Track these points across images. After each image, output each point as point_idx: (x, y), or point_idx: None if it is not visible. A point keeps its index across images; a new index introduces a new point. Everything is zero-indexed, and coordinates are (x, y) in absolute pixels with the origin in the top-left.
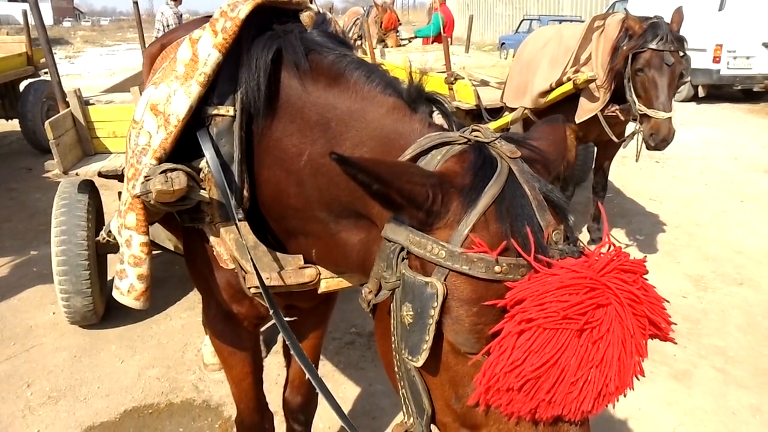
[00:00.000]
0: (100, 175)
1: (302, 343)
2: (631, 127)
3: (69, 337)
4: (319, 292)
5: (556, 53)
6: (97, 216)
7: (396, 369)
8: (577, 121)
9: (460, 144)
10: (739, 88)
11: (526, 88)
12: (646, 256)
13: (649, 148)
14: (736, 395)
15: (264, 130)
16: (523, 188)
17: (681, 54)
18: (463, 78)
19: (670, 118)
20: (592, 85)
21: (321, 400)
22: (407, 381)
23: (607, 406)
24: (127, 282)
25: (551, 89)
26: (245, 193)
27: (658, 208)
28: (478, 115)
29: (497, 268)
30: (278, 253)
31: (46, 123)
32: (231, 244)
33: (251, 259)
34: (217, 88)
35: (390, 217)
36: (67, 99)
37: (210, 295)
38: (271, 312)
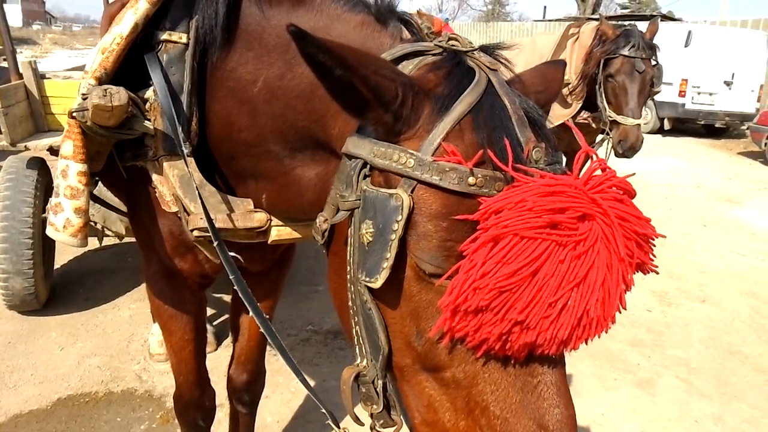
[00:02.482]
0: (51, 151)
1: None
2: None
3: (5, 322)
4: (270, 241)
5: (529, 60)
6: (46, 195)
7: (350, 304)
8: (548, 127)
9: (434, 54)
10: (702, 123)
11: None
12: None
13: (617, 155)
14: (699, 405)
15: (218, 62)
16: (502, 100)
17: (653, 63)
18: None
19: (639, 125)
20: (564, 91)
21: (268, 393)
22: (362, 316)
23: (584, 341)
24: (63, 216)
25: None
26: (194, 126)
27: None
28: None
29: (471, 180)
30: (228, 196)
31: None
32: (174, 181)
33: (198, 195)
34: (170, 12)
35: (353, 131)
36: (21, 71)
37: (151, 248)
38: (215, 244)
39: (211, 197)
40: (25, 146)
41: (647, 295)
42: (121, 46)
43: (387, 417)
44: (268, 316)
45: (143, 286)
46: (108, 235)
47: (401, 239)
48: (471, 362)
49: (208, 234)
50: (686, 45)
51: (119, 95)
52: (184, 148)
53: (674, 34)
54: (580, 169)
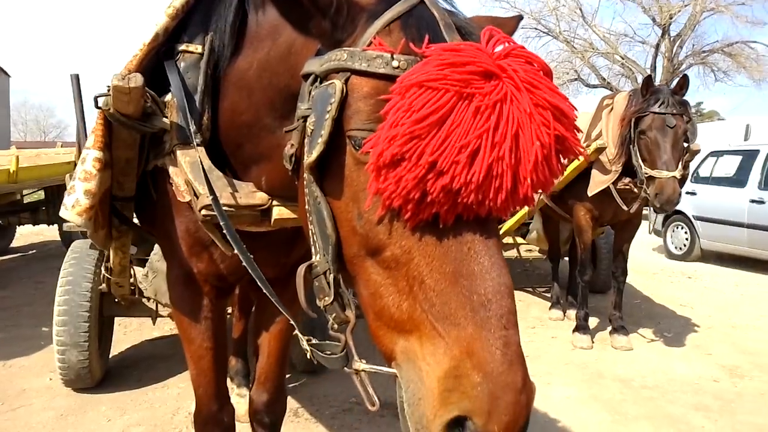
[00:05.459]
0: None
1: (272, 327)
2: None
3: (60, 399)
4: (272, 220)
5: None
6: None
7: (306, 207)
8: (590, 194)
9: None
10: None
11: None
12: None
13: (655, 210)
14: None
15: (227, 66)
16: (431, 11)
17: (686, 119)
18: None
19: (675, 177)
20: (603, 158)
21: None
22: (315, 214)
23: (505, 199)
24: (74, 197)
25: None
26: (205, 120)
27: (689, 312)
28: None
29: (395, 63)
30: (233, 180)
31: (66, 176)
32: (186, 167)
33: (205, 176)
34: (188, 28)
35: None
36: None
37: (172, 253)
38: (222, 223)
39: (218, 180)
40: None
41: (715, 368)
42: (144, 51)
43: (339, 310)
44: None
45: None
46: (162, 315)
47: (335, 120)
48: (406, 237)
49: (214, 212)
50: (746, 138)
51: (135, 78)
52: (194, 138)
53: (732, 129)
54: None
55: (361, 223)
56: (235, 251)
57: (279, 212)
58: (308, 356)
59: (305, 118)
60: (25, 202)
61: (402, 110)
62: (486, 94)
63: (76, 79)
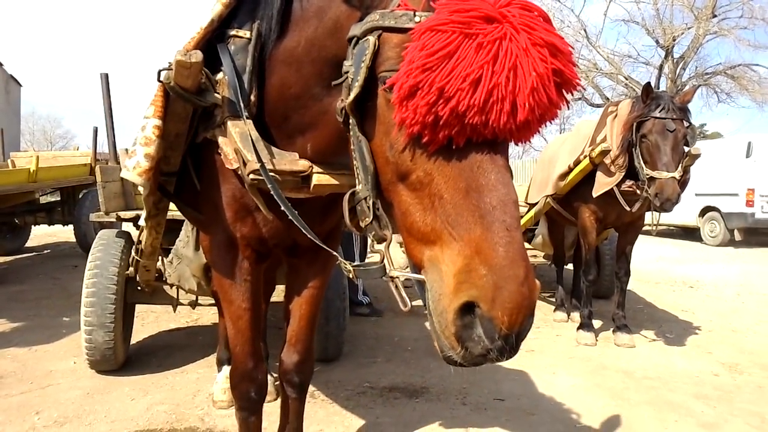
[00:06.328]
0: (135, 225)
1: (304, 292)
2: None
3: (85, 380)
4: (312, 186)
5: (575, 143)
6: (129, 263)
7: (352, 148)
8: (594, 195)
9: None
10: None
11: (548, 180)
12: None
13: (655, 209)
14: None
15: (274, 49)
16: None
17: (686, 124)
18: None
19: (674, 178)
20: (607, 160)
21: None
22: (357, 151)
23: (507, 122)
24: (135, 160)
25: (569, 170)
26: (253, 98)
27: (690, 317)
28: None
29: (417, 18)
30: (278, 149)
31: (97, 167)
32: (236, 137)
33: (253, 144)
34: (238, 17)
35: None
36: (119, 158)
37: (216, 220)
38: (269, 186)
39: (264, 150)
40: (117, 215)
41: (714, 365)
42: (201, 34)
43: (377, 228)
44: (315, 296)
45: (212, 356)
46: (182, 303)
47: (369, 67)
48: (427, 162)
49: (261, 177)
50: (748, 156)
51: (196, 55)
52: (244, 112)
53: (734, 146)
54: None
55: (392, 153)
56: (274, 216)
57: (318, 179)
58: (350, 275)
59: (347, 72)
60: (41, 202)
61: (417, 49)
62: (487, 34)
63: (105, 78)
